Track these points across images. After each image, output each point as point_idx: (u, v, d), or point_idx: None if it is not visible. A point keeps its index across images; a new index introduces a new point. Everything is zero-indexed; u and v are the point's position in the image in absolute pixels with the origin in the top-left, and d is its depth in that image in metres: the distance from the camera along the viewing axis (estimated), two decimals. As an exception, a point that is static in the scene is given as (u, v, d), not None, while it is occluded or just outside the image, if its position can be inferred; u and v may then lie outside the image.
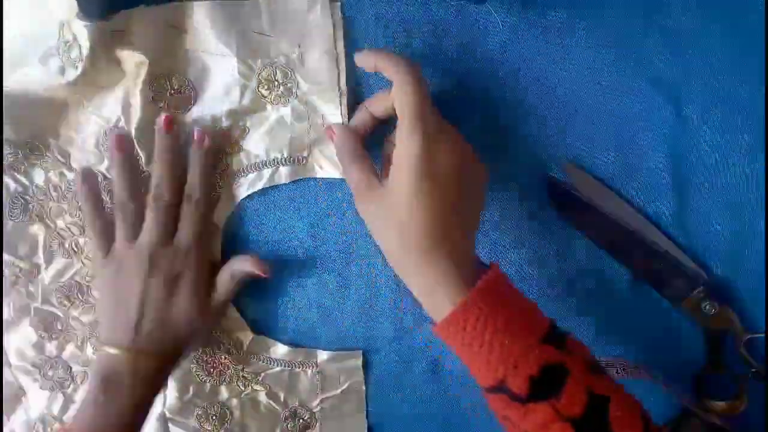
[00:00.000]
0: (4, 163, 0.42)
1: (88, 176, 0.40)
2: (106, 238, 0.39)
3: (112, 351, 0.36)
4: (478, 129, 0.42)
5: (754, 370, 0.42)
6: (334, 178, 0.43)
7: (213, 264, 0.42)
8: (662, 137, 0.41)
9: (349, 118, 0.41)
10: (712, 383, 0.43)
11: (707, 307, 0.41)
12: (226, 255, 0.44)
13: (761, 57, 0.40)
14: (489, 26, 0.41)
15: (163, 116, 0.39)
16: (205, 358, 0.45)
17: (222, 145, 0.41)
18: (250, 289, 0.45)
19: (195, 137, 0.39)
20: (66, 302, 0.44)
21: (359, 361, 0.45)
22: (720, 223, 0.42)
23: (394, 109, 0.35)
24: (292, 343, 0.45)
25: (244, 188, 0.43)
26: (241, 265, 0.40)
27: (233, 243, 0.44)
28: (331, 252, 0.44)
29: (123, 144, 0.38)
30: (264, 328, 0.45)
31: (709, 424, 0.42)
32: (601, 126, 0.42)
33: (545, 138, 0.42)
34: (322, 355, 0.45)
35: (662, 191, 0.42)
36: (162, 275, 0.36)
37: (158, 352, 0.37)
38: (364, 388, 0.45)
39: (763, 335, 0.42)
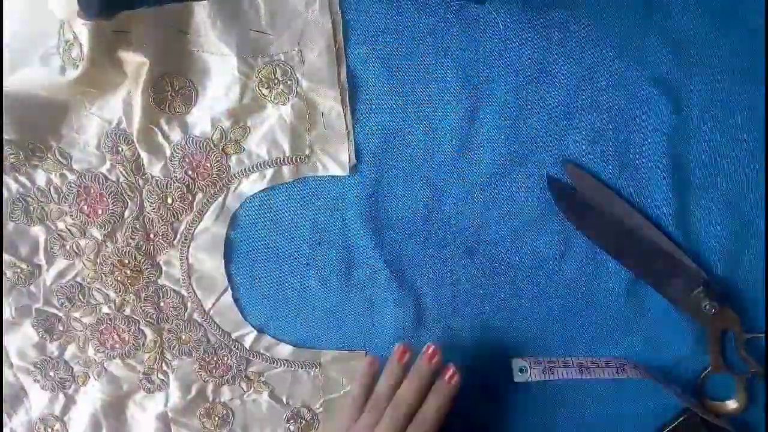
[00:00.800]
0: (5, 163, 0.42)
1: (374, 364, 0.41)
2: (354, 414, 0.40)
3: None
4: (478, 129, 0.42)
5: (754, 370, 0.42)
6: (337, 176, 0.43)
7: None
8: (662, 137, 0.41)
9: (351, 115, 0.42)
10: (712, 383, 0.43)
11: (707, 307, 0.41)
12: (228, 256, 0.44)
13: (761, 57, 0.40)
14: (489, 26, 0.41)
15: (430, 350, 0.40)
16: (208, 359, 0.45)
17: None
18: (252, 289, 0.45)
19: (449, 372, 0.40)
20: (67, 303, 0.45)
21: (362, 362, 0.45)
22: (720, 223, 0.42)
23: None
24: (295, 344, 0.45)
25: (246, 188, 0.43)
26: None
27: (236, 244, 0.44)
28: (333, 251, 0.44)
29: (404, 356, 0.41)
30: (267, 328, 0.45)
31: (709, 424, 0.42)
32: (601, 126, 0.42)
33: (545, 138, 0.42)
34: (326, 356, 0.45)
35: (662, 191, 0.42)
36: None
37: None
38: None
39: (763, 335, 0.42)
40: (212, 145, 0.42)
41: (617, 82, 0.41)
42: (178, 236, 0.44)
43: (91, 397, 0.46)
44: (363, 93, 0.42)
